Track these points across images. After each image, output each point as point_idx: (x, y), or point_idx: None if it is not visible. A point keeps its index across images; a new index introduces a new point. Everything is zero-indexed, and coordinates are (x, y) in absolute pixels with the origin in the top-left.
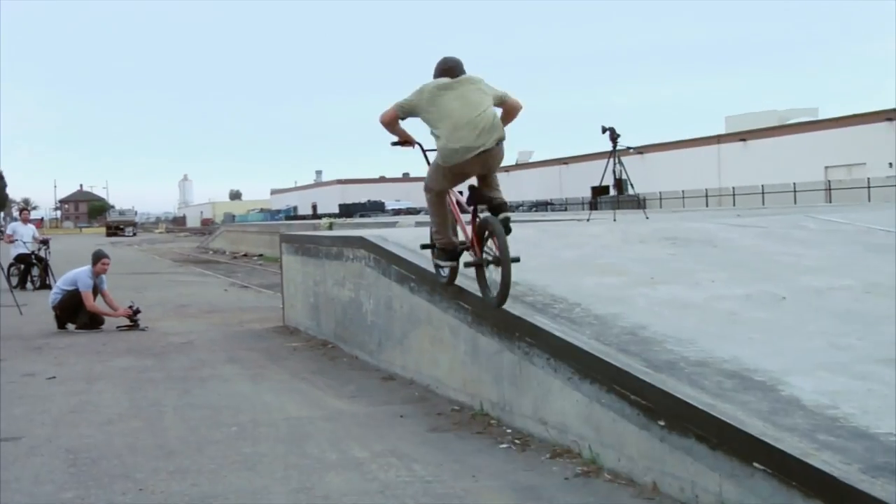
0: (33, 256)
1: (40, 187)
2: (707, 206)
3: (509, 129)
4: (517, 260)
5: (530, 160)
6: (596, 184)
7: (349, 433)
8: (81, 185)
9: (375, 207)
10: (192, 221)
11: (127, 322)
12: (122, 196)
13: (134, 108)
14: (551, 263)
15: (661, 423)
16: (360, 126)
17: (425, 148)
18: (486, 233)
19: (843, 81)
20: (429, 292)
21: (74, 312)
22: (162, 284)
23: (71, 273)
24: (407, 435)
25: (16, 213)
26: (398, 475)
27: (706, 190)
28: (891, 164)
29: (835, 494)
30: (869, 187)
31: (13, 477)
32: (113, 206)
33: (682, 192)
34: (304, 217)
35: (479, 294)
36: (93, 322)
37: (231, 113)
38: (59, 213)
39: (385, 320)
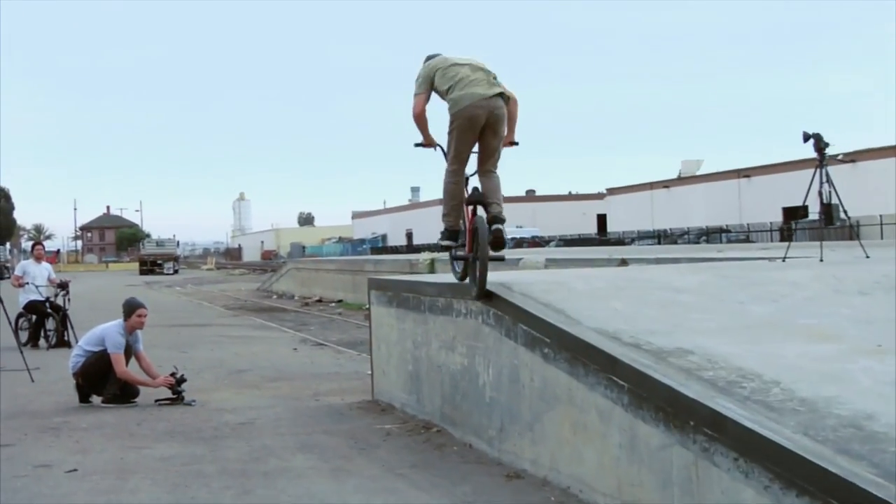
0: (48, 304)
1: (56, 209)
2: None
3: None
4: (501, 259)
5: (698, 172)
6: (789, 203)
7: None
8: (108, 208)
9: None
10: (250, 254)
11: (168, 394)
12: (159, 221)
13: (174, 109)
14: (736, 324)
15: None
16: None
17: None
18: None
19: None
20: (569, 361)
21: (101, 381)
22: (212, 341)
23: (97, 329)
24: None
25: (25, 245)
26: None
27: None
28: None
29: None
30: None
31: None
32: (148, 235)
33: None
34: (395, 249)
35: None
36: (125, 394)
37: (299, 116)
38: (79, 242)
39: (509, 397)
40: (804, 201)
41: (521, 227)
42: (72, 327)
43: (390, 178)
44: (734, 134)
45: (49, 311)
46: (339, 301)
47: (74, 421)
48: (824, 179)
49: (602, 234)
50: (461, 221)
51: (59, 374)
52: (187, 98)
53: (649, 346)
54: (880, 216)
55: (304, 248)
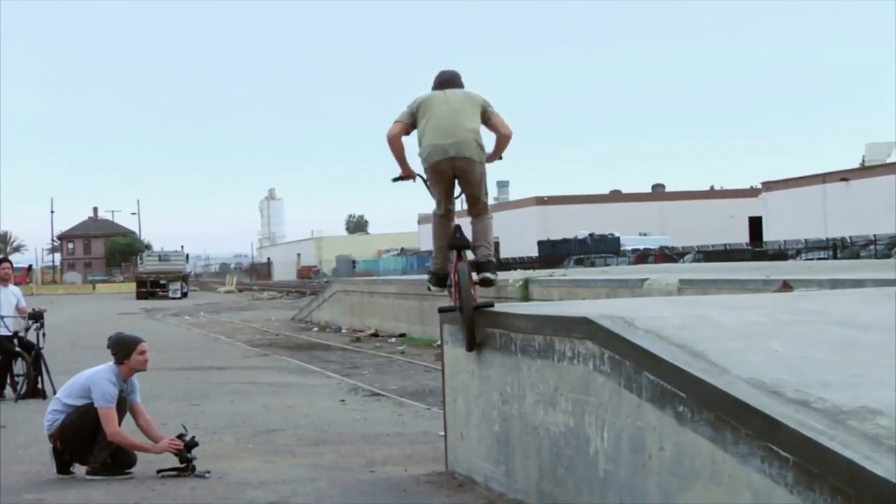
0: (16, 341)
1: (27, 212)
2: None
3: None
4: (490, 305)
5: (889, 160)
6: None
7: None
8: (95, 210)
9: (604, 248)
10: (283, 271)
11: (175, 463)
12: (162, 228)
13: (180, 82)
14: None
15: None
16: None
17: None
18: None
19: None
20: (712, 424)
21: (86, 445)
22: (233, 390)
23: (82, 376)
24: None
25: None
26: None
27: None
28: None
29: None
30: None
31: None
32: (148, 246)
33: None
34: None
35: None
36: (117, 462)
37: (347, 91)
38: (57, 256)
39: (630, 471)
40: None
41: (645, 234)
42: (47, 371)
43: None
44: None
45: (17, 349)
46: (402, 336)
47: (50, 499)
48: None
49: (756, 245)
50: (449, 265)
51: (30, 435)
52: (197, 68)
53: (822, 403)
54: None
55: (354, 263)
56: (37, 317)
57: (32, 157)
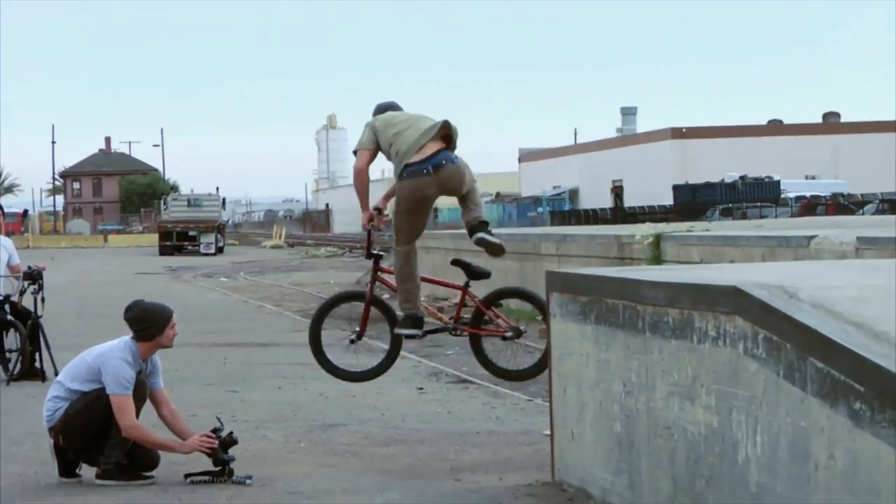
0: (8, 308)
1: (23, 144)
2: None
3: None
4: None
5: None
6: None
7: None
8: (108, 141)
9: (759, 194)
10: (345, 221)
11: (209, 465)
12: (191, 165)
13: None
14: None
15: None
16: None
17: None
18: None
19: None
20: None
21: (96, 442)
22: (281, 373)
23: (90, 354)
24: None
25: None
26: None
27: None
28: None
29: None
30: None
31: None
32: (174, 188)
33: None
34: (594, 215)
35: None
36: (134, 464)
37: None
38: (59, 199)
39: (791, 485)
40: None
41: (813, 177)
42: (47, 347)
43: (584, 94)
44: None
45: (9, 318)
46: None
47: None
48: None
49: None
50: (421, 306)
51: (25, 427)
52: None
53: None
54: None
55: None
56: (34, 277)
57: (30, 74)
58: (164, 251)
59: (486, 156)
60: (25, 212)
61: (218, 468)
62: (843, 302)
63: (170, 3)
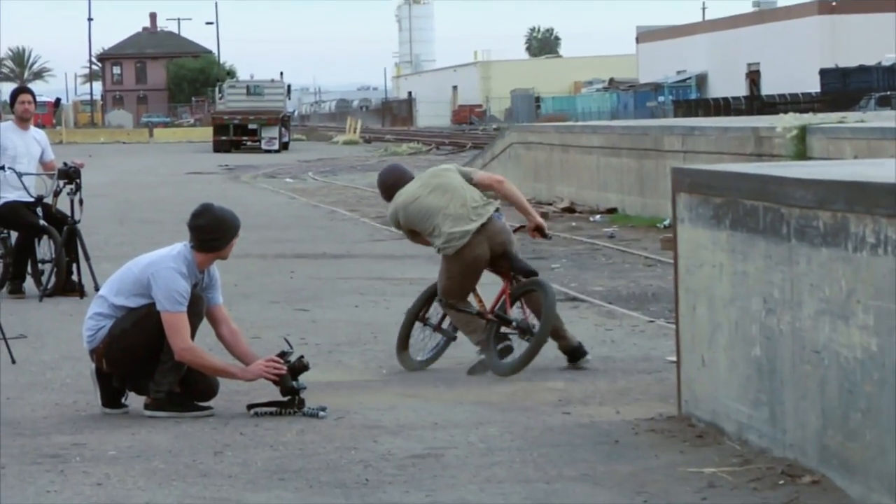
0: (40, 212)
1: (55, 23)
2: None
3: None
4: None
5: None
6: None
7: None
8: (154, 18)
9: None
10: (431, 113)
11: (276, 395)
12: (250, 47)
13: None
14: None
15: None
16: None
17: None
18: (528, 295)
19: None
20: None
21: (143, 365)
22: (357, 289)
23: (136, 265)
24: None
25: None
26: None
27: None
28: None
29: None
30: None
31: None
32: (231, 73)
33: None
34: (725, 105)
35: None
36: (189, 392)
37: None
38: (97, 86)
39: None
40: None
41: None
42: (86, 257)
43: None
44: None
45: (42, 224)
46: (610, 211)
47: (94, 444)
48: None
49: None
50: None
51: (61, 351)
52: None
53: None
54: None
55: (538, 101)
56: (70, 176)
57: None
58: (219, 147)
59: (599, 36)
60: (58, 101)
61: (286, 398)
62: None
63: None
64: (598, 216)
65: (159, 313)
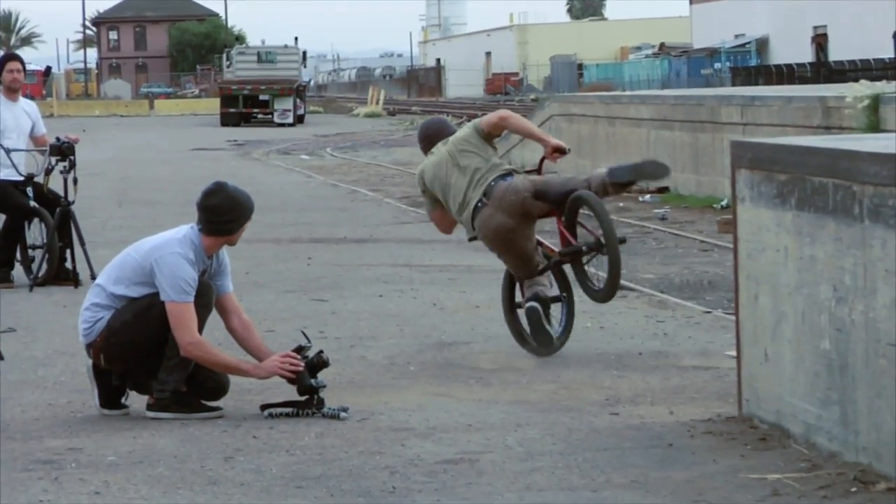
0: (30, 191)
1: None
2: None
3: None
4: (623, 241)
5: None
6: None
7: None
8: None
9: None
10: (462, 82)
11: (293, 395)
12: (262, 9)
13: None
14: None
15: None
16: None
17: None
18: (577, 215)
19: None
20: None
21: (146, 361)
22: (381, 277)
23: (137, 250)
24: None
25: None
26: None
27: None
28: None
29: None
30: None
31: None
32: (240, 38)
33: None
34: (788, 72)
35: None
36: (197, 390)
37: None
38: (91, 53)
39: None
40: None
41: None
42: (81, 242)
43: None
44: None
45: (33, 205)
46: (662, 190)
47: (91, 448)
48: None
49: None
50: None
51: (54, 345)
52: None
53: None
54: None
55: (580, 68)
56: (63, 152)
57: None
58: (227, 120)
59: None
60: (48, 69)
61: (304, 397)
62: None
63: None
64: (648, 196)
65: (163, 304)
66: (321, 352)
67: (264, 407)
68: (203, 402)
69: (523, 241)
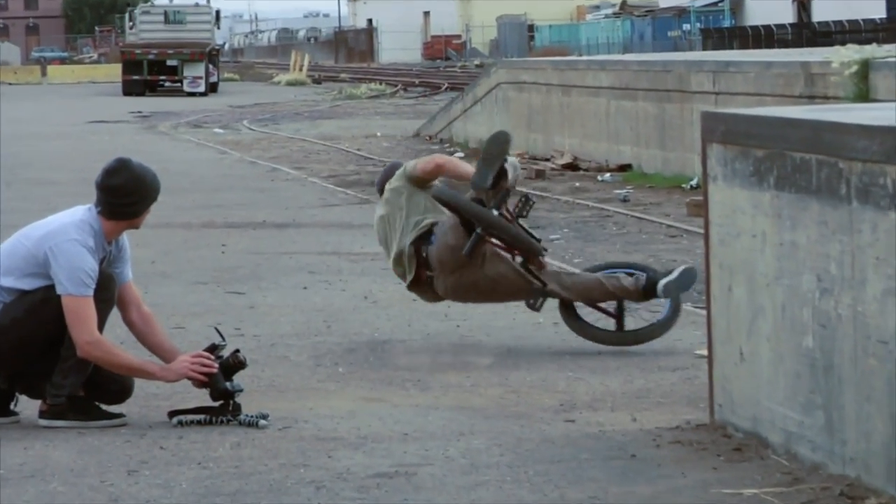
0: None
1: None
2: None
3: None
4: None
5: None
6: None
7: None
8: None
9: None
10: (397, 45)
11: (206, 400)
12: None
13: None
14: None
15: None
16: None
17: None
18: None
19: None
20: None
21: (39, 363)
22: (305, 266)
23: (28, 237)
24: None
25: None
26: None
27: None
28: None
29: None
30: None
31: None
32: None
33: None
34: (767, 35)
35: None
36: (97, 393)
37: None
38: None
39: None
40: None
41: None
42: None
43: None
44: None
45: None
46: (624, 168)
47: None
48: None
49: None
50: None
51: None
52: None
53: None
54: None
55: (531, 30)
56: None
57: None
58: (129, 89)
59: None
60: None
61: (218, 403)
62: None
63: None
64: (607, 174)
65: (59, 297)
66: (237, 351)
67: (173, 414)
68: (103, 408)
69: (493, 275)
